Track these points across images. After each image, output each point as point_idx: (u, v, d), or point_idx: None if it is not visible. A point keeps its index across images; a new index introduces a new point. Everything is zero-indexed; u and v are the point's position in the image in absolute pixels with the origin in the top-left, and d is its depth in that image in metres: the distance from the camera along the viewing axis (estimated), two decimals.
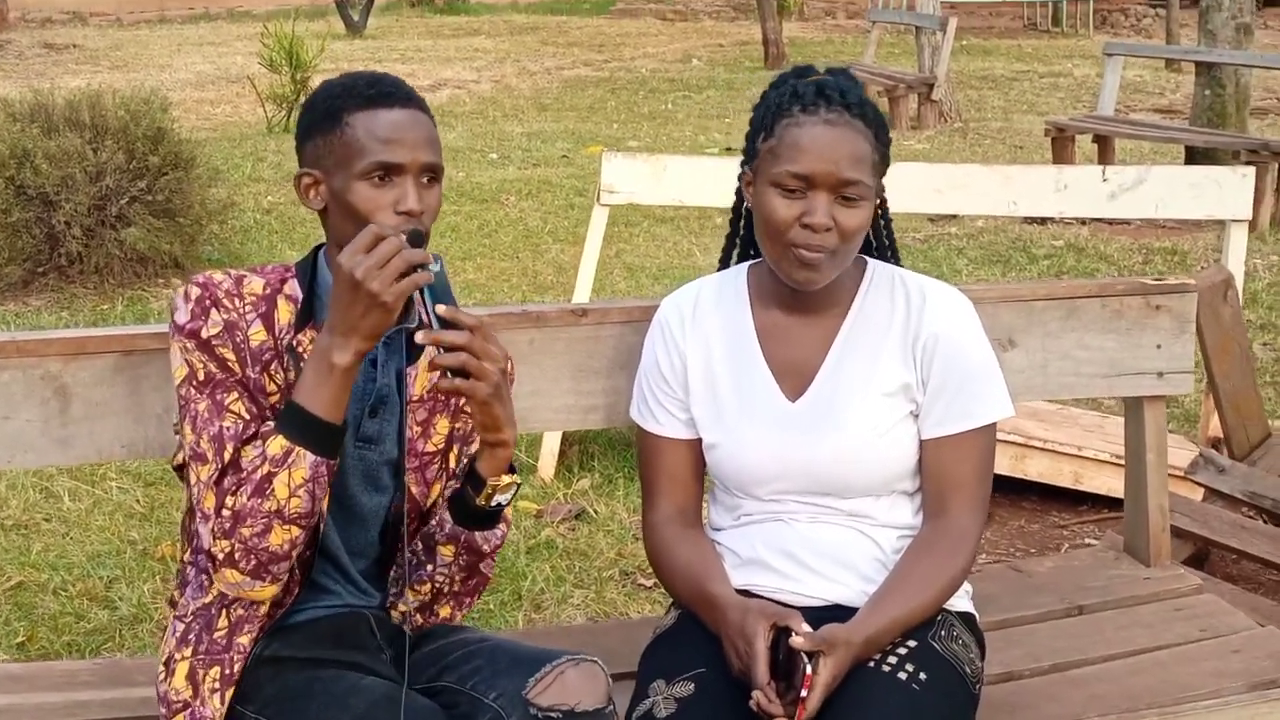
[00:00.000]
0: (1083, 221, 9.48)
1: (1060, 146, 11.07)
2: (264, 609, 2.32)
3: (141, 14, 27.93)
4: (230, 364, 2.25)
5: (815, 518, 2.55)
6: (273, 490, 2.16)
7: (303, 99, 13.64)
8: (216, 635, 2.30)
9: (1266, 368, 6.67)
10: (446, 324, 2.17)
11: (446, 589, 2.44)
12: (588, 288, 5.53)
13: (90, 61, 20.30)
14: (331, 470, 2.21)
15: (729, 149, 13.00)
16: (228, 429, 2.22)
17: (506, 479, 2.34)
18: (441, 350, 2.17)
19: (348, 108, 2.28)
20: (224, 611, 2.31)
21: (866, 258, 2.62)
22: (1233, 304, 4.38)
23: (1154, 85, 17.80)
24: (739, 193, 2.64)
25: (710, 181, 5.57)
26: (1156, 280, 3.05)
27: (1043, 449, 5.18)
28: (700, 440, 2.62)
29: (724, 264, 2.74)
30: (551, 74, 19.53)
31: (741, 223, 2.70)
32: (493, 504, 2.34)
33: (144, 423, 2.58)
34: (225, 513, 2.17)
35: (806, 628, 2.32)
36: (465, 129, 14.38)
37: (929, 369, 2.51)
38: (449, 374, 2.18)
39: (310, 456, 2.18)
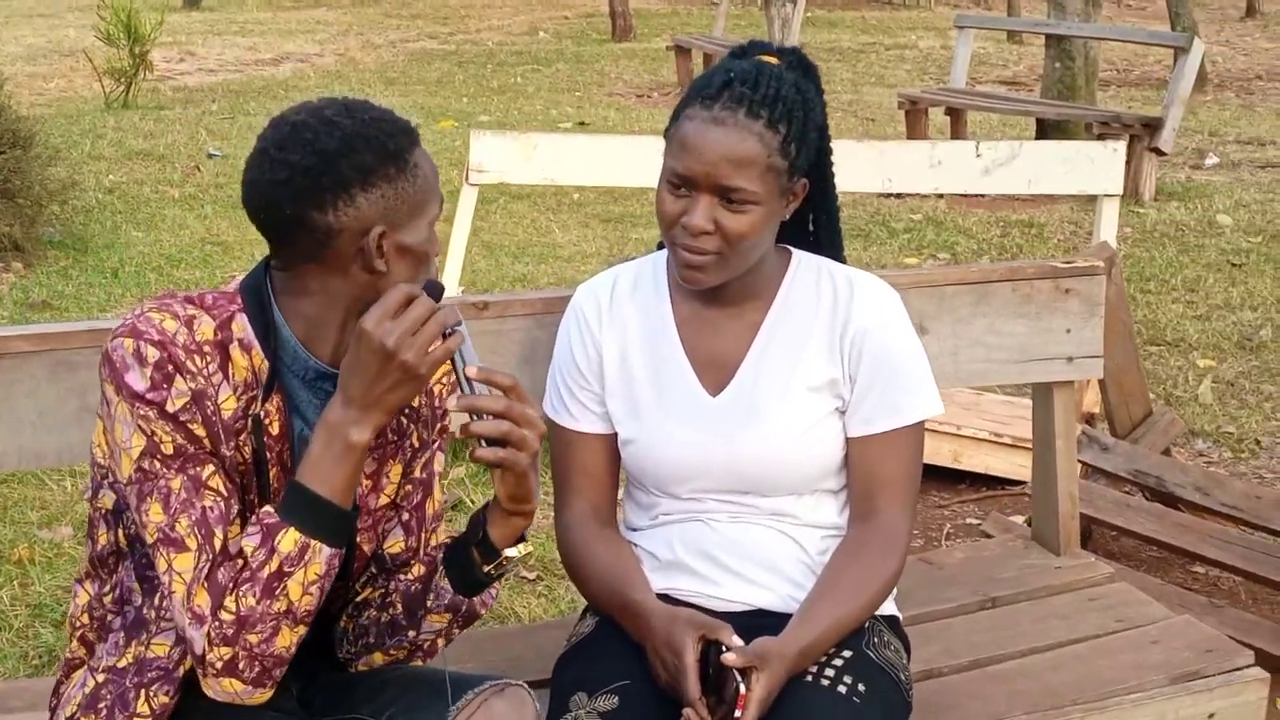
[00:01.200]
0: (939, 195, 9.50)
1: (913, 119, 11.11)
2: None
3: None
4: (201, 440, 1.96)
5: (736, 517, 2.44)
6: (285, 590, 1.91)
7: (142, 74, 13.38)
8: None
9: None
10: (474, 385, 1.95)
11: (427, 647, 2.22)
12: (458, 270, 5.40)
13: None
14: (341, 560, 1.97)
15: (582, 123, 12.89)
16: (210, 510, 1.94)
17: (521, 549, 2.12)
18: (476, 416, 1.94)
19: (406, 147, 1.99)
20: (143, 693, 2.04)
21: (791, 248, 2.50)
22: (1117, 281, 4.36)
23: (998, 57, 18.03)
24: None
25: (581, 161, 5.47)
26: (1066, 263, 2.99)
27: None
28: (616, 435, 2.50)
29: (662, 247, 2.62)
30: (396, 47, 19.25)
31: None
32: (499, 572, 2.13)
33: (18, 431, 2.38)
34: (226, 616, 1.90)
35: (738, 641, 2.21)
36: None
37: (857, 364, 2.41)
38: (483, 442, 1.95)
39: (326, 549, 1.93)
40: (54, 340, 2.37)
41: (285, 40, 19.43)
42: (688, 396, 2.44)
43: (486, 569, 2.11)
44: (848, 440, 2.44)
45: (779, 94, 2.29)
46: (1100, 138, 9.27)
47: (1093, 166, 5.38)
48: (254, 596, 1.91)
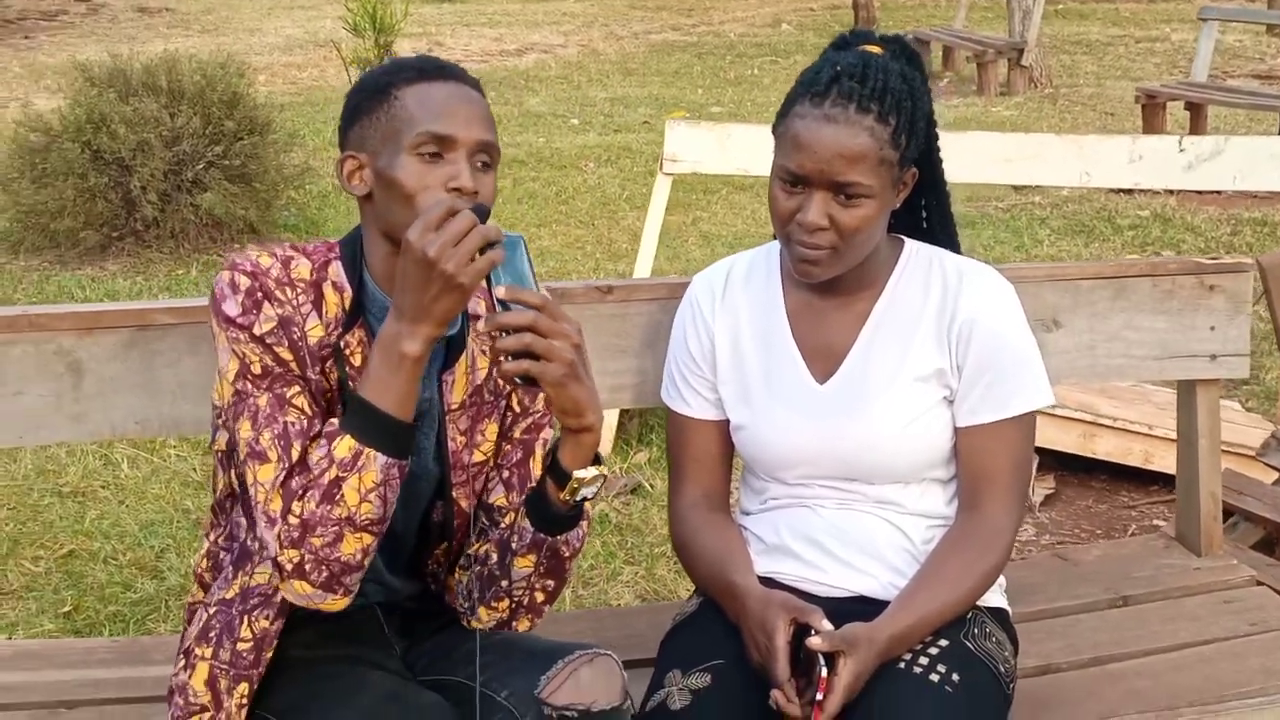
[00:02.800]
0: (1170, 191, 9.26)
1: (1151, 114, 10.84)
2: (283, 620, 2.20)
3: None
4: (288, 363, 2.10)
5: (843, 504, 2.46)
6: (342, 496, 2.00)
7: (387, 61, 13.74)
8: (240, 648, 2.17)
9: None
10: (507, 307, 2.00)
11: (526, 602, 2.28)
12: (650, 259, 5.46)
13: (181, 25, 20.44)
14: (403, 471, 2.06)
15: None
16: (292, 424, 2.07)
17: (592, 470, 2.13)
18: (503, 335, 1.98)
19: (396, 83, 2.13)
20: (245, 619, 2.17)
21: (904, 238, 2.52)
22: None
23: (1254, 50, 17.42)
24: None
25: None
26: (1211, 259, 2.93)
27: (1112, 427, 5.06)
28: (728, 422, 2.54)
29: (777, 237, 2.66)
30: (639, 38, 19.45)
31: None
32: (577, 499, 2.15)
33: (158, 399, 2.54)
34: (293, 520, 2.01)
35: (828, 625, 2.23)
36: (549, 94, 14.34)
37: (964, 354, 2.42)
38: (510, 357, 1.98)
39: (381, 458, 2.01)
40: (194, 314, 2.50)
41: (531, 31, 19.80)
42: (796, 384, 2.47)
43: (563, 496, 2.14)
44: (956, 430, 2.44)
45: (887, 85, 2.30)
46: None
47: None
48: (315, 501, 2.01)
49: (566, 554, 2.24)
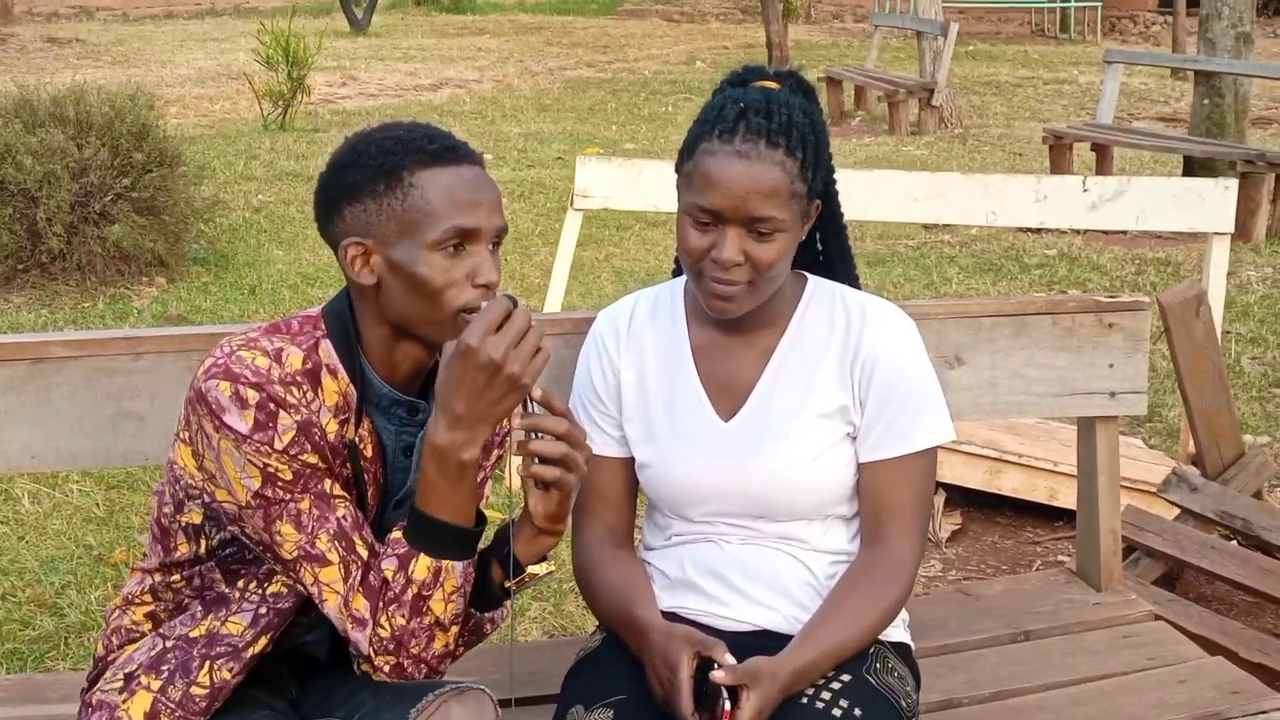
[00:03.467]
0: (1077, 230, 9.38)
1: (1058, 155, 10.99)
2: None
3: (148, 9, 28.00)
4: (315, 464, 2.05)
5: (747, 540, 2.47)
6: (429, 608, 2.04)
7: (300, 97, 13.73)
8: (195, 693, 2.12)
9: (1254, 382, 6.59)
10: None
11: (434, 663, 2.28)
12: (560, 294, 5.46)
13: (92, 56, 20.28)
14: (475, 565, 2.08)
15: None
16: (344, 519, 2.06)
17: (544, 567, 2.17)
18: (536, 435, 2.00)
19: (408, 165, 2.04)
20: (207, 664, 2.13)
21: (807, 275, 2.53)
22: (1205, 320, 4.30)
23: (1159, 93, 17.74)
24: None
25: None
26: (1110, 298, 2.97)
27: (1017, 464, 5.11)
28: (633, 459, 2.54)
29: (677, 273, 2.67)
30: (554, 74, 19.50)
31: None
32: (523, 588, 2.18)
33: (55, 433, 2.50)
34: (383, 633, 2.04)
35: (730, 659, 2.23)
36: (463, 129, 14.30)
37: (867, 390, 2.43)
38: (538, 460, 2.00)
39: (459, 565, 2.04)
40: (91, 347, 2.48)
41: (446, 66, 19.80)
42: (701, 421, 2.48)
43: (507, 584, 2.15)
44: (859, 466, 2.46)
45: (791, 120, 2.32)
46: (1245, 176, 9.10)
47: (1202, 203, 5.29)
48: (403, 617, 2.03)
49: (489, 630, 2.26)
